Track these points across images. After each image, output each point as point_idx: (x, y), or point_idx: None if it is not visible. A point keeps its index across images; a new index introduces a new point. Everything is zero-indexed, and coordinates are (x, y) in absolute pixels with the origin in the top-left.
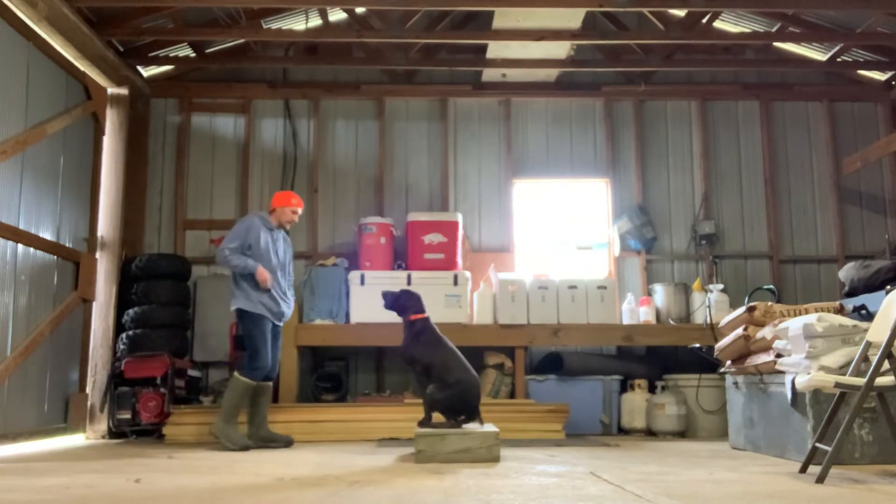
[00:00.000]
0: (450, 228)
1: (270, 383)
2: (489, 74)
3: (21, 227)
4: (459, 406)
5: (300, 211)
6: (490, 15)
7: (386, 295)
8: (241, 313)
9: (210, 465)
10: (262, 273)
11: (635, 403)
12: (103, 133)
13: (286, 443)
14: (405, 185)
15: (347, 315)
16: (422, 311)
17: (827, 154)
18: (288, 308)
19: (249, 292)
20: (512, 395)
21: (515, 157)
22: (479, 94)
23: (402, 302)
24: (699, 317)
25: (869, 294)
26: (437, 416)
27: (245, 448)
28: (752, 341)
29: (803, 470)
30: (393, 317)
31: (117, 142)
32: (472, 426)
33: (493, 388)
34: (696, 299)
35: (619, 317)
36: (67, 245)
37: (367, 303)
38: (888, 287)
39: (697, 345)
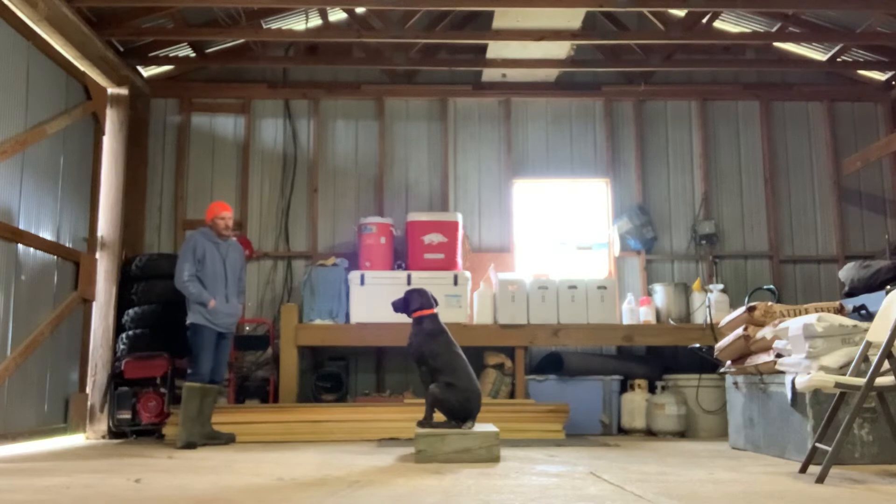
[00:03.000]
0: (450, 228)
1: (217, 386)
2: (489, 74)
3: (21, 227)
4: (461, 412)
5: (228, 215)
6: (490, 15)
7: (394, 302)
8: (189, 325)
9: (210, 465)
10: (213, 304)
11: (635, 403)
12: (103, 133)
13: (227, 440)
14: (405, 185)
15: (347, 315)
16: (429, 305)
17: (827, 154)
18: (232, 317)
19: (196, 306)
20: (512, 395)
21: (515, 157)
22: (479, 94)
23: (408, 298)
24: (699, 317)
25: (869, 294)
26: (438, 416)
27: (187, 446)
28: (752, 341)
29: (803, 470)
30: (392, 316)
31: (117, 142)
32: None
33: (493, 388)
34: (696, 299)
35: (619, 317)
36: (67, 245)
37: (367, 303)
38: (888, 287)
39: (697, 345)
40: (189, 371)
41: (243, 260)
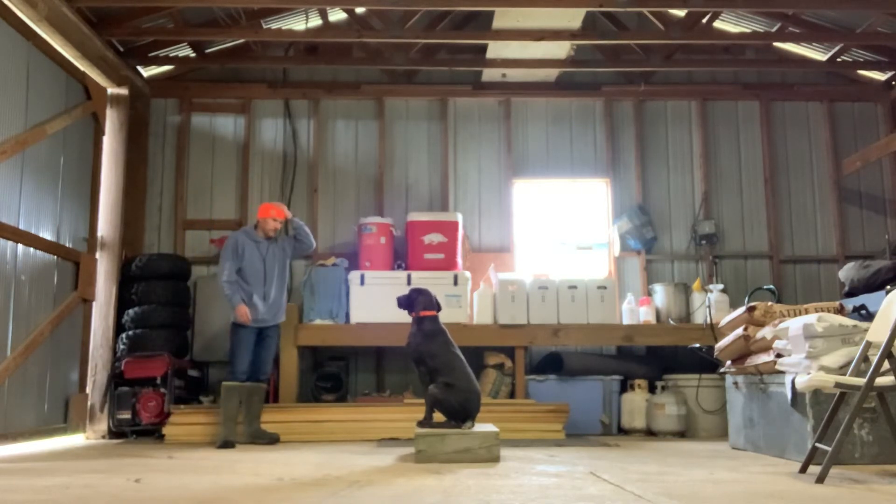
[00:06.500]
0: (450, 228)
1: (262, 385)
2: (489, 74)
3: (21, 227)
4: (461, 412)
5: (281, 221)
6: (490, 15)
7: (399, 298)
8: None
9: (210, 465)
10: (240, 311)
11: (635, 403)
12: (103, 133)
13: (270, 440)
14: (405, 185)
15: (347, 315)
16: (431, 307)
17: (827, 154)
18: (270, 312)
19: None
20: (512, 395)
21: (515, 157)
22: (479, 94)
23: (412, 298)
24: (699, 317)
25: (869, 294)
26: (438, 416)
27: (223, 446)
28: (752, 341)
29: (803, 470)
30: (392, 316)
31: (117, 142)
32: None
33: (493, 388)
34: (696, 299)
35: (619, 317)
36: (67, 245)
37: (367, 303)
38: (888, 287)
39: (697, 345)
40: (227, 370)
41: (286, 253)
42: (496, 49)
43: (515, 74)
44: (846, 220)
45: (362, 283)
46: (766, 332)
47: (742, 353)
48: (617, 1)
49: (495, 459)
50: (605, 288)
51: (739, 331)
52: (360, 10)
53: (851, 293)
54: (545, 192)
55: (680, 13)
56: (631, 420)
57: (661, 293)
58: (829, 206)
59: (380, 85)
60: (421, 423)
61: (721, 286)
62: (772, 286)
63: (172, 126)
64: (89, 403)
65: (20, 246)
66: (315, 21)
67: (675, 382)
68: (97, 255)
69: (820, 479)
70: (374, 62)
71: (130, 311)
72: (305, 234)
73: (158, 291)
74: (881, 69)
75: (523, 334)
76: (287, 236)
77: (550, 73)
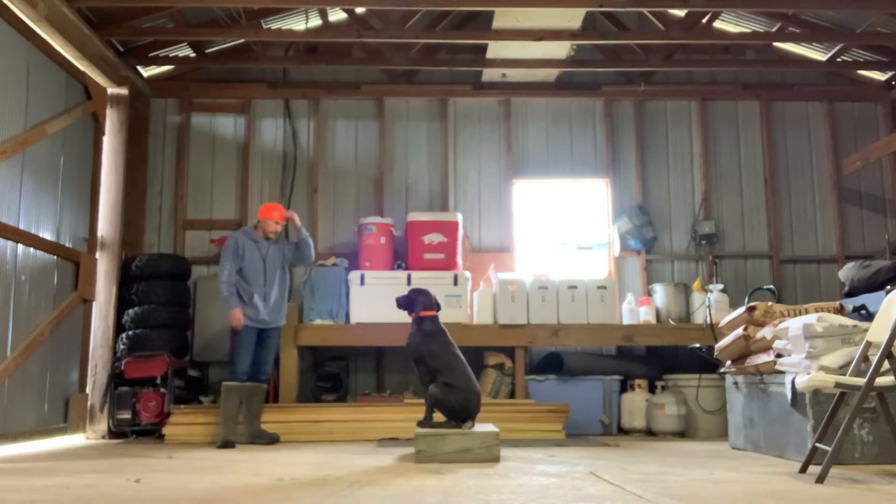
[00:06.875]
0: (450, 228)
1: (262, 385)
2: (489, 74)
3: (21, 227)
4: (461, 412)
5: (282, 223)
6: (490, 15)
7: (399, 298)
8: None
9: (210, 465)
10: (235, 315)
11: (635, 403)
12: (103, 133)
13: (270, 440)
14: (405, 185)
15: (347, 315)
16: (431, 307)
17: (827, 154)
18: (269, 312)
19: (236, 304)
20: (512, 395)
21: (515, 157)
22: (479, 94)
23: (412, 298)
24: (699, 317)
25: (869, 294)
26: (438, 416)
27: (223, 446)
28: (752, 341)
29: (803, 470)
30: (392, 316)
31: (117, 142)
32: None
33: (493, 388)
34: (696, 299)
35: (619, 317)
36: (67, 245)
37: (367, 303)
38: (888, 287)
39: (697, 345)
40: (227, 370)
41: (285, 256)
42: (496, 49)
43: (515, 74)
44: (846, 220)
45: (362, 283)
46: (766, 332)
47: (742, 353)
48: (617, 1)
49: (495, 459)
50: (605, 288)
51: (739, 331)
52: (360, 10)
53: (851, 293)
54: (545, 192)
55: (680, 13)
56: (631, 420)
57: (661, 293)
58: (829, 206)
59: (380, 85)
60: (421, 423)
61: (721, 286)
62: (772, 286)
63: (172, 126)
64: (89, 403)
65: (20, 246)
66: (315, 21)
67: (675, 382)
68: (97, 255)
69: (820, 479)
70: (374, 62)
71: (130, 311)
72: (307, 246)
73: (158, 291)
74: (881, 69)
75: (523, 334)
76: (287, 240)
77: (550, 73)
